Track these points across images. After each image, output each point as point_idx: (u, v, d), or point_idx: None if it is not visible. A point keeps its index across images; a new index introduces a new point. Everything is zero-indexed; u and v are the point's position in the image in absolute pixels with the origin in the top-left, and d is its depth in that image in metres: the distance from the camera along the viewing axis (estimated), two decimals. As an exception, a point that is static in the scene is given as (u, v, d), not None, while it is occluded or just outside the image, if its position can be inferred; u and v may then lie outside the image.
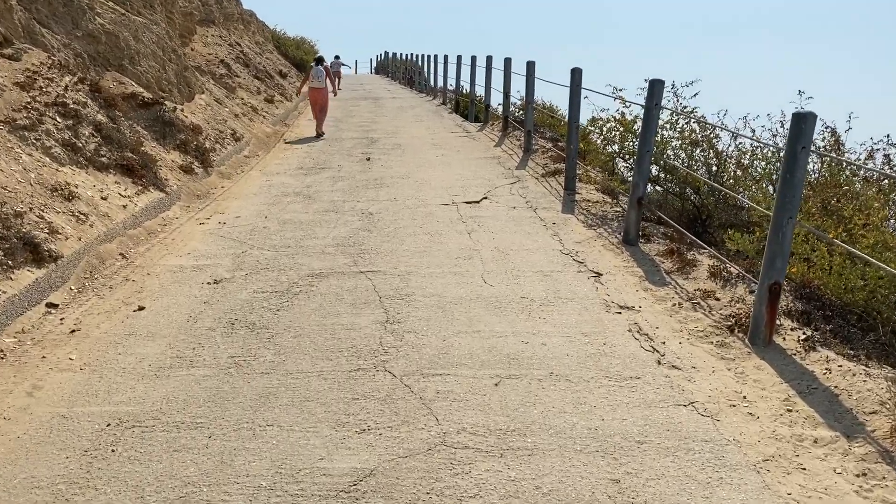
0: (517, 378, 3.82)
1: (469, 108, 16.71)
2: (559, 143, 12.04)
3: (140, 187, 7.33)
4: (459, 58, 19.02)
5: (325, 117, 13.90)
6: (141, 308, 4.85)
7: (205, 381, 3.82)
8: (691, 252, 5.81)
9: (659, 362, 4.05)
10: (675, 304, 4.92)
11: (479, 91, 16.50)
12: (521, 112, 17.25)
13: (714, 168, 7.09)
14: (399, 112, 18.36)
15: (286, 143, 12.77)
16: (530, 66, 10.58)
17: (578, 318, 4.64)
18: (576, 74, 8.27)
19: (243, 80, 16.91)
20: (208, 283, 5.34)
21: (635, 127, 7.47)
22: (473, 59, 16.54)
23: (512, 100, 13.84)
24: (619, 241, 6.38)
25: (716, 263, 5.42)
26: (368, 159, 10.82)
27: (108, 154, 7.27)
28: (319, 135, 13.48)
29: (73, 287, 5.18)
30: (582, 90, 8.28)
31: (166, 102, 9.48)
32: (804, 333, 4.28)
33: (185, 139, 9.18)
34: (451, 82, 21.51)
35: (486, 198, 8.08)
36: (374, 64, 49.80)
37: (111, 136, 7.51)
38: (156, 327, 4.55)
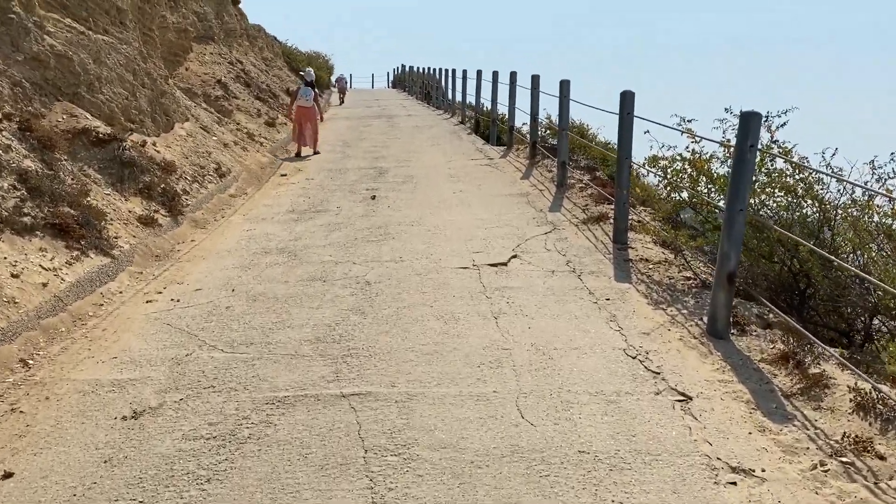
0: None
1: (490, 129, 15.07)
2: (597, 173, 10.37)
3: (76, 252, 5.75)
4: (479, 73, 17.43)
5: (317, 138, 13.64)
6: (8, 475, 3.23)
7: None
8: (816, 361, 4.08)
9: None
10: (815, 465, 3.20)
11: (502, 110, 14.89)
12: (547, 132, 15.63)
13: (818, 226, 5.36)
14: (414, 133, 16.78)
15: (282, 175, 11.20)
16: (564, 85, 8.92)
17: (677, 501, 2.94)
18: (626, 99, 6.60)
19: (242, 101, 15.43)
20: (123, 419, 3.71)
21: (711, 169, 5.75)
22: (495, 74, 14.92)
23: (539, 119, 12.16)
24: (702, 332, 4.67)
25: (860, 386, 3.69)
26: (374, 197, 9.20)
27: (34, 212, 5.70)
28: (315, 152, 13.34)
29: (-75, 429, 3.58)
30: (635, 118, 6.61)
31: (130, 137, 7.94)
32: None
33: (151, 181, 7.62)
34: (471, 99, 19.87)
35: (515, 256, 6.40)
36: (392, 78, 48.48)
37: (41, 187, 5.95)
38: (15, 518, 2.93)
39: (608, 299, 5.29)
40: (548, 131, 16.22)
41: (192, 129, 10.46)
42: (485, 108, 18.09)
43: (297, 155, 13.13)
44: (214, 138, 11.08)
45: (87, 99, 7.92)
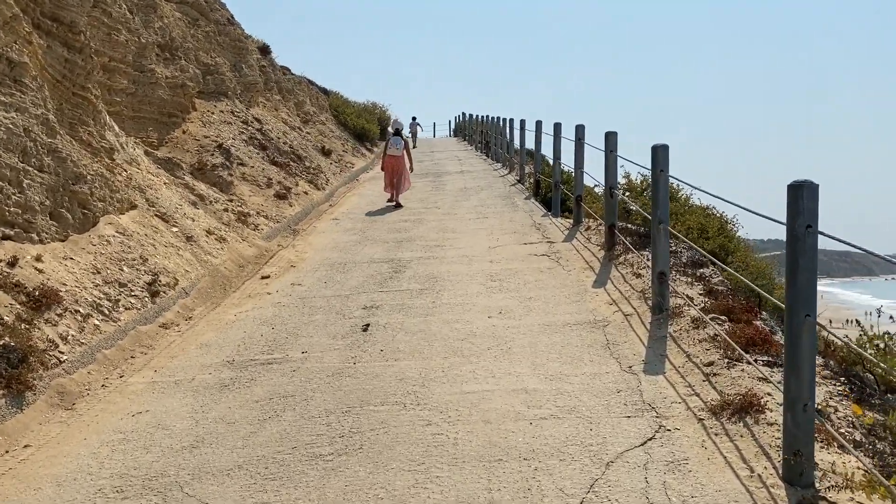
0: None
1: (553, 194, 11.79)
2: (701, 273, 6.93)
3: None
4: (539, 124, 14.24)
5: (405, 188, 13.19)
6: None
7: None
8: None
9: None
10: None
11: (569, 169, 11.63)
12: (626, 193, 12.23)
13: None
14: (459, 198, 13.70)
15: (263, 278, 8.22)
16: (659, 153, 5.61)
17: None
18: (802, 195, 3.25)
19: (250, 168, 12.72)
20: None
21: None
22: (557, 126, 11.73)
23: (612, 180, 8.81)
24: None
25: None
26: (366, 328, 6.06)
27: None
28: (397, 205, 12.86)
29: None
30: (819, 235, 3.25)
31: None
32: None
33: (-16, 335, 4.69)
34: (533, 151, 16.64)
35: (583, 528, 3.09)
36: (453, 126, 46.09)
37: None
38: None
39: None
40: (627, 193, 12.83)
41: (134, 223, 7.61)
42: (548, 164, 14.87)
43: (392, 203, 12.93)
44: (174, 230, 8.22)
45: (-90, 201, 5.12)
